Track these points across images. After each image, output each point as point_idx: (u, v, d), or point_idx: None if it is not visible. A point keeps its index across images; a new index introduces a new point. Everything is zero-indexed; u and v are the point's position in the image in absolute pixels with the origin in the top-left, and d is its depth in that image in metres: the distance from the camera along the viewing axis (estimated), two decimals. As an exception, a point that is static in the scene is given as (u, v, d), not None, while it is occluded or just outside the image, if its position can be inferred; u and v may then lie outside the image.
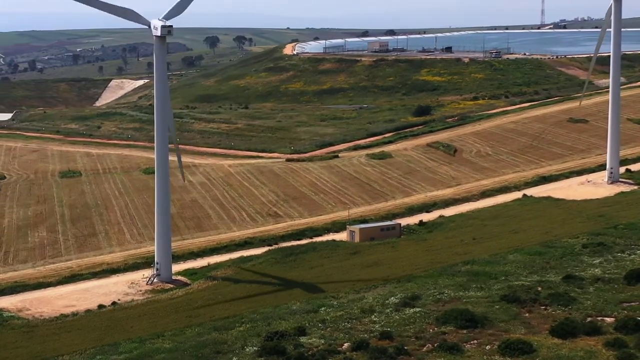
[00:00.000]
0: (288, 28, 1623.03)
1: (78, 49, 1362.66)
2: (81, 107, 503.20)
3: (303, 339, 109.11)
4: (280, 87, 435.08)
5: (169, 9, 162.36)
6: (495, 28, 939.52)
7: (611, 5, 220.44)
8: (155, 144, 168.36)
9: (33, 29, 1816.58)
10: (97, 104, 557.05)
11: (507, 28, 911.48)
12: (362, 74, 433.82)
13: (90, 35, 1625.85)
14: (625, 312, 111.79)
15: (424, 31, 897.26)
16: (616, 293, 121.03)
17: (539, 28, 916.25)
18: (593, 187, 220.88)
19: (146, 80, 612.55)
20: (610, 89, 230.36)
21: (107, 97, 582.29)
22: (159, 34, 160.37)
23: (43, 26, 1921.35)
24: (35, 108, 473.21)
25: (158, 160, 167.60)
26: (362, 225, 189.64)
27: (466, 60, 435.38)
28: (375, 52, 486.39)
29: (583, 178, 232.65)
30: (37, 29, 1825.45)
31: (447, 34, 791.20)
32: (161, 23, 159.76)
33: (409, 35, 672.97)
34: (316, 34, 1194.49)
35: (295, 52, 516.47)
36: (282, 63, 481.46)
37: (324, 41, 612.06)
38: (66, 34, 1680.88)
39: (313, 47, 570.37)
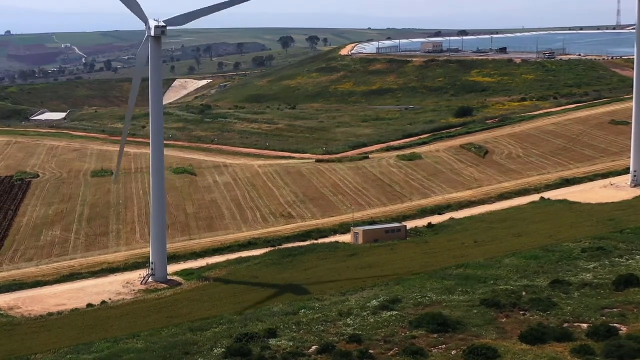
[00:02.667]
0: (369, 28, 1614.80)
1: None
2: (142, 106, 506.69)
3: (272, 341, 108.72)
4: (330, 87, 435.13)
5: (176, 15, 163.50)
6: (570, 29, 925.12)
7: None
8: (150, 144, 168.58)
9: (116, 29, 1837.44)
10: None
11: (581, 28, 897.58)
12: (411, 74, 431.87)
13: (171, 36, 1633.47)
14: (604, 318, 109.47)
15: (497, 31, 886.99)
16: (600, 299, 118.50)
17: (614, 28, 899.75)
18: (614, 190, 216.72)
19: (209, 80, 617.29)
20: (634, 90, 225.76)
21: (170, 97, 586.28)
22: (152, 34, 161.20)
23: (126, 26, 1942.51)
24: (97, 107, 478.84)
25: (153, 160, 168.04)
26: (366, 227, 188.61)
27: (518, 60, 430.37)
28: (428, 52, 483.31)
29: (607, 181, 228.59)
30: (120, 29, 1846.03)
31: (518, 34, 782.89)
32: (155, 23, 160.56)
33: (477, 36, 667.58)
34: (396, 34, 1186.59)
35: (350, 53, 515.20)
36: (333, 63, 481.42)
37: (395, 41, 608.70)
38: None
39: (374, 47, 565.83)
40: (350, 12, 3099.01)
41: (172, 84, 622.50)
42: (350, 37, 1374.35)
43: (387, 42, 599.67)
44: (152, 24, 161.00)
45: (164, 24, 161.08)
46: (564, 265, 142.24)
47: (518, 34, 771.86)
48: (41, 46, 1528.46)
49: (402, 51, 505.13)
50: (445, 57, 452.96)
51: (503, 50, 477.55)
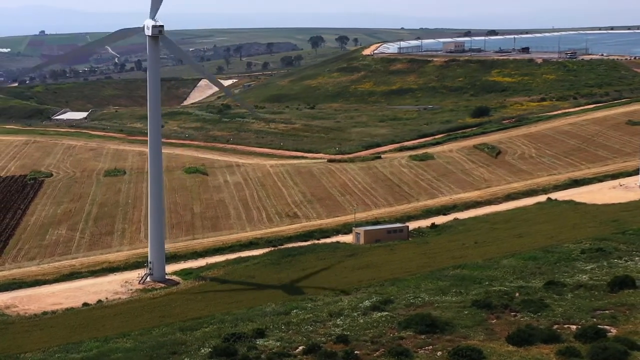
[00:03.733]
0: (402, 28, 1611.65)
1: (191, 49, 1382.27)
2: (167, 106, 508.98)
3: (260, 341, 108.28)
4: (350, 87, 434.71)
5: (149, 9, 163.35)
6: (600, 29, 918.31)
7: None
8: (148, 144, 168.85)
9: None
10: (185, 102, 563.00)
11: (612, 28, 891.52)
12: (432, 74, 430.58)
13: (204, 35, 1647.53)
14: (595, 320, 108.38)
15: (526, 32, 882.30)
16: (594, 300, 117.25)
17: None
18: (623, 191, 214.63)
19: (235, 80, 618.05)
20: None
21: (195, 97, 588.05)
22: (150, 33, 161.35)
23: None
24: (121, 107, 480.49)
25: (151, 160, 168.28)
26: (367, 227, 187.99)
27: (539, 61, 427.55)
28: (450, 52, 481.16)
29: (616, 182, 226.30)
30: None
31: (547, 34, 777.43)
32: (152, 23, 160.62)
33: (506, 36, 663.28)
34: (428, 34, 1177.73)
35: (372, 53, 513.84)
36: (355, 63, 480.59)
37: (419, 41, 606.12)
38: (182, 34, 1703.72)
39: (413, 47, 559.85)
40: (384, 12, 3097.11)
41: (198, 84, 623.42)
42: (383, 37, 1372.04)
43: (413, 42, 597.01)
44: (150, 24, 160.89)
45: (161, 24, 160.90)
46: (562, 266, 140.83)
47: (547, 34, 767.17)
48: (74, 46, 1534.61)
49: (424, 51, 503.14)
50: (466, 57, 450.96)
51: (525, 50, 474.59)
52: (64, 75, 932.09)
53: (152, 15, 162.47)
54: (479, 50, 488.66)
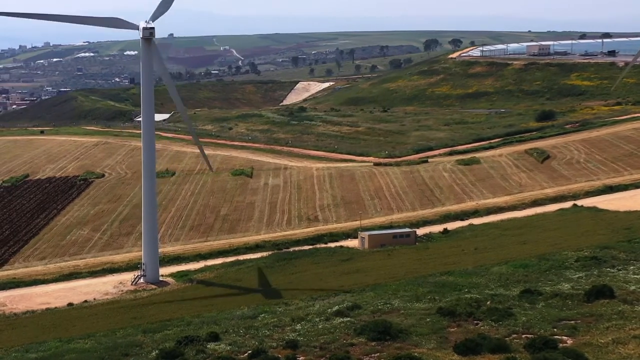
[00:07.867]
0: (529, 31, 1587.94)
1: (313, 52, 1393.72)
2: (264, 108, 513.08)
3: (211, 345, 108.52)
4: (427, 90, 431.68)
5: (154, 10, 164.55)
6: None
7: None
8: (142, 146, 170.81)
9: (276, 31, 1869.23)
10: (281, 105, 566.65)
11: None
12: (509, 77, 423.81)
13: (328, 38, 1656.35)
14: (555, 330, 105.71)
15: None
16: (564, 310, 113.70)
17: None
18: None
19: (331, 83, 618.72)
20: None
21: (292, 99, 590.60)
22: (141, 35, 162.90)
23: (285, 29, 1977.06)
24: (215, 109, 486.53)
25: (145, 162, 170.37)
26: (372, 232, 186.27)
27: (621, 64, 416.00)
28: (533, 55, 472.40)
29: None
30: (280, 32, 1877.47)
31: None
32: (144, 25, 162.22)
33: (622, 39, 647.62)
34: (557, 37, 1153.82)
35: (457, 56, 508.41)
36: (435, 66, 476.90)
37: (506, 45, 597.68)
38: (305, 37, 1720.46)
39: (501, 50, 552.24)
40: (513, 14, 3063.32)
41: (295, 87, 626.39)
42: (507, 40, 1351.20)
43: (513, 46, 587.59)
44: (142, 25, 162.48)
45: (152, 26, 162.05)
46: (550, 274, 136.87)
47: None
48: (200, 49, 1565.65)
49: (510, 54, 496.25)
50: (547, 61, 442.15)
51: (612, 53, 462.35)
52: (180, 78, 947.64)
53: (153, 19, 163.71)
54: (565, 54, 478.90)
